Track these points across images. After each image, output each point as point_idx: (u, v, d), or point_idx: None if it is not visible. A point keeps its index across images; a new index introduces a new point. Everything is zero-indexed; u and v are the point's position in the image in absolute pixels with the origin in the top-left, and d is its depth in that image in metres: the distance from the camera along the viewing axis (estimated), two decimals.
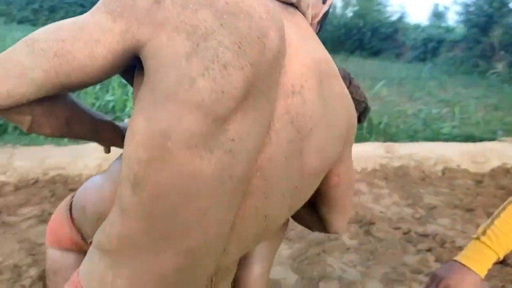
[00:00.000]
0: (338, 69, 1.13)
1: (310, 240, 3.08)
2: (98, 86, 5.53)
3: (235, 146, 0.64)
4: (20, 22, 17.66)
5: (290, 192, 0.76)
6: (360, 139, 5.54)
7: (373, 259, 2.88)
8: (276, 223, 0.81)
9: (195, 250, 0.69)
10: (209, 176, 0.64)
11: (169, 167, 0.61)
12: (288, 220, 1.18)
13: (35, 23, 17.48)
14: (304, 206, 1.09)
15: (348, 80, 1.13)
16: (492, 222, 1.07)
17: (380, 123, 6.19)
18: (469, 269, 1.02)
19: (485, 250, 1.04)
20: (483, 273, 1.02)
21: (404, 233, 3.30)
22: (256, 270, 1.19)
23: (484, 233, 1.07)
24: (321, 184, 0.90)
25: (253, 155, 0.68)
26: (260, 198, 0.73)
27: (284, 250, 2.95)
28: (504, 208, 1.10)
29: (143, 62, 0.62)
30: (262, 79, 0.65)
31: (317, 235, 3.17)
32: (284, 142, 0.70)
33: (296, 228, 3.25)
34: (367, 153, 4.58)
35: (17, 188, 3.43)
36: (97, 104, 5.29)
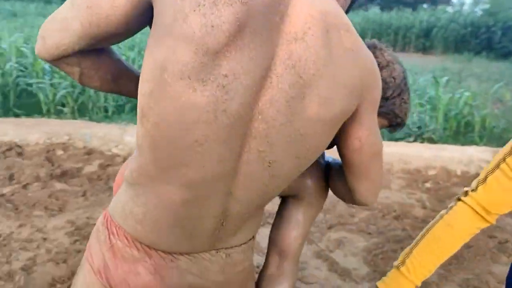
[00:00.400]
0: (370, 41, 1.12)
1: (389, 237, 3.00)
2: None
3: (228, 81, 0.68)
4: None
5: (294, 138, 0.77)
6: (466, 141, 5.16)
7: (456, 263, 2.71)
8: (284, 172, 0.82)
9: (197, 184, 0.76)
10: (203, 108, 0.68)
11: (167, 98, 0.69)
12: (325, 190, 1.18)
13: None
14: (338, 177, 1.11)
15: (377, 50, 1.08)
16: (410, 251, 1.12)
17: (494, 127, 5.68)
18: None
19: (403, 281, 1.10)
20: None
21: (500, 243, 3.03)
22: (291, 234, 1.19)
23: (403, 262, 1.11)
24: (344, 148, 0.92)
25: (250, 95, 0.71)
26: (263, 142, 0.75)
27: (360, 242, 2.92)
28: (423, 236, 1.13)
29: (154, 9, 0.72)
30: (256, 20, 0.68)
31: (399, 232, 3.07)
32: (286, 86, 0.72)
33: (377, 224, 3.19)
34: (471, 157, 4.25)
35: (125, 160, 3.86)
36: None
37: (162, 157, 0.74)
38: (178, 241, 0.82)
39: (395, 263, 1.15)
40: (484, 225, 1.11)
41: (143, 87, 0.72)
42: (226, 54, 0.67)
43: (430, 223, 1.16)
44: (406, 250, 1.15)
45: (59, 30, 0.77)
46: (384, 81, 1.05)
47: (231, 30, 0.66)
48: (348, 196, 1.10)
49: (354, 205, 3.42)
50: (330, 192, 1.19)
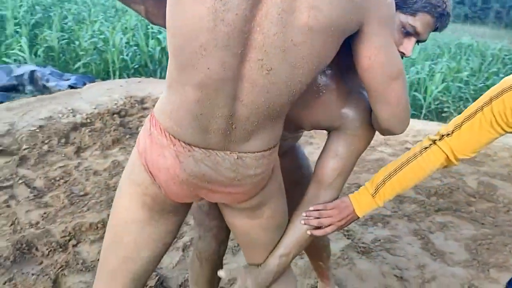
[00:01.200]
0: None
1: (505, 231, 2.73)
2: None
3: None
4: None
5: (288, 48, 0.85)
6: None
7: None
8: (282, 80, 0.91)
9: (206, 84, 0.90)
10: (204, 18, 0.82)
11: (179, 12, 0.86)
12: (371, 123, 1.17)
13: None
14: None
15: None
16: (383, 183, 1.19)
17: None
18: (356, 210, 1.21)
19: (372, 203, 1.21)
20: (361, 215, 1.22)
21: None
22: (329, 164, 1.20)
23: (376, 191, 1.20)
24: (358, 68, 0.99)
25: (245, 8, 0.83)
26: (261, 51, 0.86)
27: (468, 230, 2.73)
28: (396, 171, 1.19)
29: None
30: None
31: None
32: (278, 0, 0.83)
33: (497, 217, 2.92)
34: None
35: None
36: None
37: (179, 61, 0.92)
38: (195, 135, 0.99)
39: (368, 185, 1.22)
40: (450, 165, 1.21)
41: (167, 8, 0.91)
42: None
43: (404, 159, 1.21)
44: (379, 179, 1.21)
45: None
46: None
47: None
48: (378, 126, 1.12)
49: (475, 196, 3.18)
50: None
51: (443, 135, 1.17)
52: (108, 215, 2.43)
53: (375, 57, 0.95)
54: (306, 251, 1.92)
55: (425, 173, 1.19)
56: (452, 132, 1.16)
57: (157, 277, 2.07)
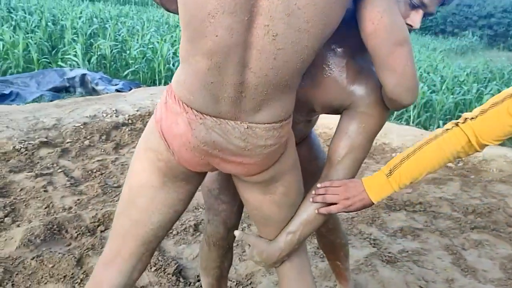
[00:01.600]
0: None
1: None
2: None
3: None
4: None
5: (293, 12, 0.88)
6: None
7: None
8: (288, 45, 0.92)
9: (215, 52, 0.92)
10: None
11: None
12: (383, 101, 1.16)
13: None
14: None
15: None
16: (400, 164, 1.15)
17: None
18: (367, 193, 1.16)
19: (387, 187, 1.16)
20: (376, 201, 1.17)
21: None
22: (340, 143, 1.18)
23: (391, 173, 1.15)
24: (362, 32, 1.00)
25: None
26: (267, 17, 0.88)
27: (506, 249, 2.59)
28: (414, 152, 1.15)
29: None
30: None
31: None
32: None
33: None
34: None
35: None
36: None
37: (190, 32, 0.96)
38: (206, 104, 1.01)
39: (385, 171, 1.17)
40: (472, 151, 1.16)
41: None
42: None
43: (424, 141, 1.16)
44: (396, 161, 1.16)
45: None
46: None
47: None
48: (386, 98, 1.10)
49: None
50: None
51: (466, 118, 1.14)
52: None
53: (379, 21, 0.96)
54: (324, 250, 1.89)
55: (444, 155, 1.14)
56: (477, 117, 1.12)
57: (176, 265, 2.09)
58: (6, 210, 2.42)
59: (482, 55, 14.90)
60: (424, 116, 5.29)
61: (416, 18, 1.08)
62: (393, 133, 4.39)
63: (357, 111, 1.17)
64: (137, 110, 4.25)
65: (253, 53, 0.93)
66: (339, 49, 1.16)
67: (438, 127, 5.07)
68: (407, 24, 1.08)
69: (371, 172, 3.63)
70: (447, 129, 1.16)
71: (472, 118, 1.13)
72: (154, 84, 5.78)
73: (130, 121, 3.99)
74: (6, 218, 2.35)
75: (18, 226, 2.31)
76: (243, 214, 1.61)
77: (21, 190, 2.67)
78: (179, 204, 1.16)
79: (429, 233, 2.72)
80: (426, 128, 5.02)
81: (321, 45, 0.98)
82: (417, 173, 1.16)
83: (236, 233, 1.32)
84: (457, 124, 1.16)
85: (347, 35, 1.10)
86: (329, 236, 1.78)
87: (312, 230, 1.26)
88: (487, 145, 1.14)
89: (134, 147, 3.57)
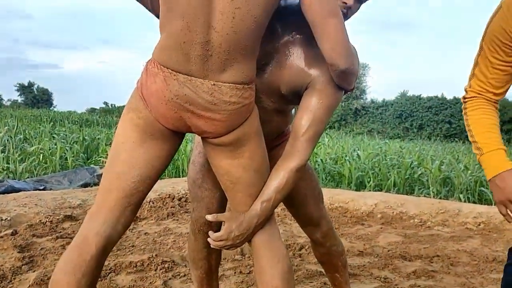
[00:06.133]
0: None
1: None
2: None
3: None
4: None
5: None
6: None
7: None
8: (244, 4, 1.13)
9: (186, 13, 1.15)
10: None
11: None
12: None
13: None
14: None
15: None
16: (474, 140, 1.34)
17: None
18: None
19: (495, 157, 1.28)
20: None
21: None
22: (302, 116, 1.34)
23: (482, 151, 1.31)
24: (302, 6, 1.21)
25: None
26: None
27: None
28: (469, 127, 1.36)
29: None
30: None
31: None
32: None
33: None
34: None
35: None
36: None
37: (165, 2, 1.23)
38: (180, 63, 1.21)
39: (483, 151, 1.31)
40: (497, 103, 1.38)
41: None
42: None
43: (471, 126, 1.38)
44: (474, 143, 1.35)
45: None
46: None
47: None
48: (332, 72, 1.28)
49: None
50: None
51: (466, 87, 1.39)
52: (149, 257, 2.60)
53: None
54: (321, 262, 1.90)
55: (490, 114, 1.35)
56: (473, 74, 1.36)
57: None
58: (25, 261, 2.55)
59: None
60: (443, 192, 5.27)
61: None
62: (410, 202, 4.39)
63: (315, 88, 1.35)
64: (159, 195, 4.47)
65: (216, 14, 1.16)
66: (297, 37, 1.39)
67: (459, 199, 5.02)
68: (343, 2, 1.33)
69: (387, 234, 3.60)
70: (464, 109, 1.40)
71: (470, 78, 1.38)
72: (178, 177, 6.09)
73: (151, 202, 4.19)
74: (23, 266, 2.47)
75: (34, 271, 2.42)
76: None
77: (41, 249, 2.82)
78: (157, 160, 1.31)
79: (444, 274, 2.62)
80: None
81: (270, 6, 1.20)
82: (484, 129, 1.34)
83: (209, 216, 1.42)
84: (464, 99, 1.40)
85: (303, 25, 1.34)
86: (325, 243, 1.81)
87: (284, 196, 1.36)
88: (500, 92, 1.36)
89: (151, 220, 3.72)
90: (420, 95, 28.28)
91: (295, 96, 1.42)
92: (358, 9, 1.41)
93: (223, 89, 1.22)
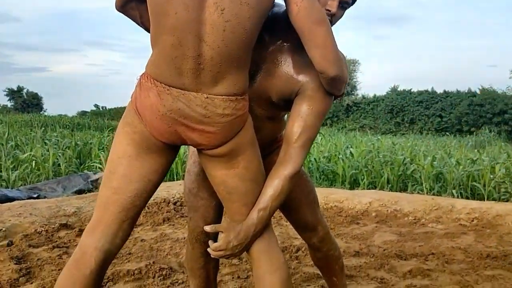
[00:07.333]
0: None
1: None
2: None
3: None
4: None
5: None
6: None
7: None
8: (234, 18, 1.15)
9: (177, 29, 1.15)
10: None
11: None
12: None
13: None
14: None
15: None
16: None
17: None
18: None
19: None
20: None
21: None
22: (294, 123, 1.36)
23: None
24: (290, 16, 1.23)
25: None
26: None
27: None
28: None
29: None
30: None
31: None
32: None
33: None
34: None
35: None
36: None
37: (155, 15, 1.21)
38: (172, 77, 1.22)
39: None
40: None
41: None
42: None
43: None
44: None
45: None
46: None
47: None
48: (322, 79, 1.30)
49: None
50: None
51: None
52: (146, 265, 2.61)
53: (300, 3, 1.21)
54: (318, 267, 1.93)
55: None
56: None
57: None
58: (22, 272, 2.54)
59: (504, 144, 14.92)
60: (436, 188, 5.32)
61: (333, 4, 1.34)
62: (404, 200, 4.43)
63: (305, 95, 1.37)
64: (154, 199, 4.47)
65: (207, 28, 1.17)
66: (285, 45, 1.41)
67: (452, 195, 5.07)
68: (327, 9, 1.34)
69: (382, 233, 3.63)
70: None
71: None
72: (173, 180, 6.08)
73: (146, 207, 4.19)
74: (21, 278, 2.46)
75: (31, 283, 2.41)
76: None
77: (38, 259, 2.81)
78: (153, 174, 1.32)
79: (440, 273, 2.66)
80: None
81: (259, 18, 1.21)
82: None
83: (207, 227, 1.43)
84: None
85: (290, 33, 1.35)
86: (322, 248, 1.83)
87: (280, 203, 1.38)
88: None
89: (147, 226, 3.72)
90: (411, 89, 28.39)
91: (286, 103, 1.44)
92: (342, 15, 1.43)
93: (216, 102, 1.23)
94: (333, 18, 1.37)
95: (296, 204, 1.71)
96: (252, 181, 1.36)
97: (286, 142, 1.40)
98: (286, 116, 1.64)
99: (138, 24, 1.46)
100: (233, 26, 1.17)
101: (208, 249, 1.41)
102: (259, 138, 1.41)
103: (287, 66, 1.39)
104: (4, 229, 3.25)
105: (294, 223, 1.79)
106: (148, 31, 1.42)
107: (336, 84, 1.31)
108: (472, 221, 3.90)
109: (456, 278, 2.57)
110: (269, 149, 1.60)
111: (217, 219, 1.64)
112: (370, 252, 3.11)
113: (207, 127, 1.25)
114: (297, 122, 1.37)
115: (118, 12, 1.44)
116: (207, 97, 1.23)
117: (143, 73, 1.30)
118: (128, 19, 1.48)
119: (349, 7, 1.41)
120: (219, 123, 1.25)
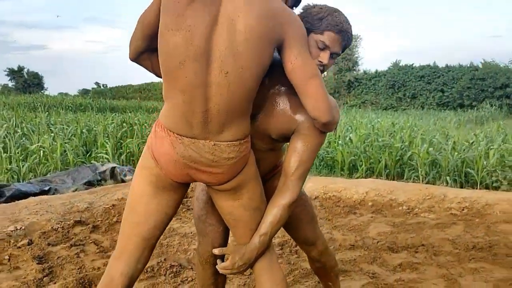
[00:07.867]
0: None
1: None
2: None
3: (191, 27, 1.28)
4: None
5: (236, 53, 1.28)
6: None
7: None
8: (236, 80, 1.31)
9: (187, 89, 1.32)
10: (180, 43, 1.29)
11: (163, 42, 1.33)
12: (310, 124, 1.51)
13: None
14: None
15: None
16: None
17: None
18: None
19: None
20: None
21: None
22: (291, 158, 1.53)
23: None
24: (286, 72, 1.40)
25: (206, 34, 1.28)
26: (219, 61, 1.28)
27: (502, 274, 2.72)
28: None
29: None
30: None
31: None
32: (225, 27, 1.29)
33: None
34: None
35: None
36: None
37: (168, 76, 1.38)
38: (183, 128, 1.40)
39: None
40: None
41: (158, 45, 1.38)
42: (188, 13, 1.30)
43: None
44: None
45: (132, 39, 1.55)
46: (312, 11, 1.50)
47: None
48: (314, 122, 1.47)
49: None
50: None
51: None
52: (158, 262, 2.83)
53: (295, 61, 1.38)
54: (316, 273, 2.15)
55: None
56: None
57: None
58: (45, 272, 2.78)
59: (503, 123, 15.05)
60: (431, 174, 5.52)
61: (324, 56, 1.49)
62: (399, 189, 4.64)
63: (300, 133, 1.54)
64: None
65: (213, 88, 1.34)
66: (283, 89, 1.57)
67: (447, 183, 5.28)
68: (319, 61, 1.50)
69: (377, 224, 3.86)
70: None
71: None
72: None
73: None
74: (44, 278, 2.71)
75: (55, 283, 2.65)
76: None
77: (58, 258, 3.05)
78: (169, 209, 1.52)
79: (427, 266, 2.89)
80: (435, 184, 5.23)
81: (258, 77, 1.37)
82: None
83: (215, 250, 1.65)
84: None
85: (287, 78, 1.52)
86: (321, 259, 2.03)
87: (278, 229, 1.58)
88: None
89: None
90: (412, 64, 28.33)
91: (284, 139, 1.61)
92: (333, 63, 1.59)
93: (222, 147, 1.41)
94: (325, 67, 1.53)
95: (297, 223, 1.91)
96: (256, 209, 1.56)
97: (284, 174, 1.57)
98: (285, 144, 1.83)
99: (150, 72, 1.63)
100: (236, 85, 1.34)
101: (217, 266, 1.62)
102: (261, 167, 1.60)
103: (284, 107, 1.55)
104: (23, 227, 3.49)
105: (295, 238, 1.99)
106: (159, 76, 1.59)
107: (327, 127, 1.48)
108: (463, 210, 4.12)
109: (442, 271, 2.80)
110: (270, 174, 1.79)
111: (224, 243, 1.84)
112: (365, 244, 3.34)
113: (215, 169, 1.43)
114: (293, 158, 1.55)
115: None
116: (214, 144, 1.40)
117: (157, 122, 1.48)
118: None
119: (339, 55, 1.57)
120: (225, 165, 1.43)
